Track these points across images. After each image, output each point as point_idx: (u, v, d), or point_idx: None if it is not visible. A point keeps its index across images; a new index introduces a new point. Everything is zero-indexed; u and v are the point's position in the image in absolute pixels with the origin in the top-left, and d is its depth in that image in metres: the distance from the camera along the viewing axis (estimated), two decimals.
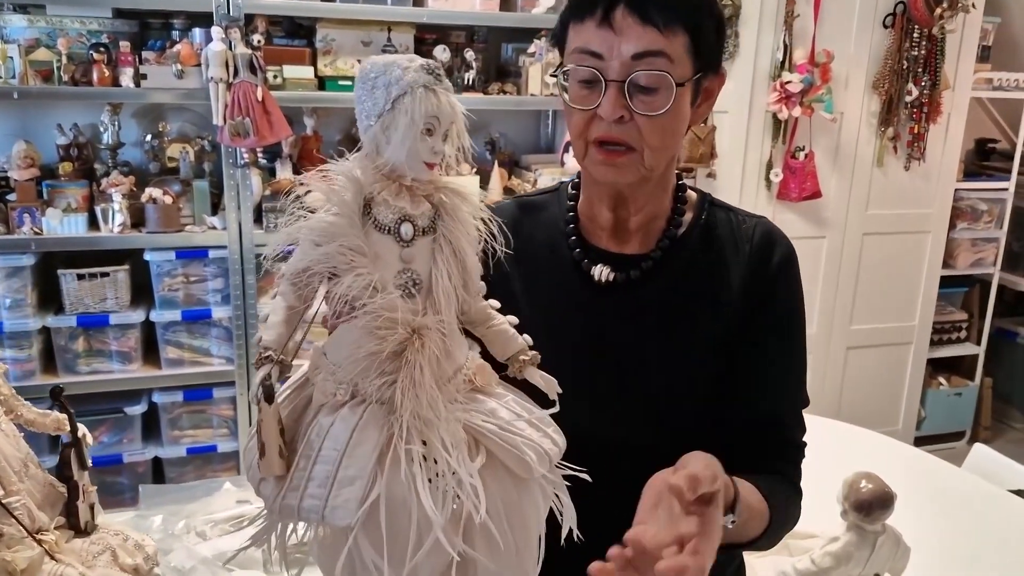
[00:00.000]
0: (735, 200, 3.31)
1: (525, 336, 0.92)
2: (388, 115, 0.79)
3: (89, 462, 1.11)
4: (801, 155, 3.19)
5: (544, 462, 0.84)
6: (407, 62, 0.80)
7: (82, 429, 1.12)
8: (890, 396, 3.74)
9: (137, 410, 2.90)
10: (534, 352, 0.91)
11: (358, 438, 0.76)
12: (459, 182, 0.87)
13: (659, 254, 1.10)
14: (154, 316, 2.86)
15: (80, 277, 2.77)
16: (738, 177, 3.19)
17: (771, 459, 1.11)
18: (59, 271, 2.75)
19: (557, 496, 0.88)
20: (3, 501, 0.99)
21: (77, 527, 1.08)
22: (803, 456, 1.15)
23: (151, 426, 2.99)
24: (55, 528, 1.06)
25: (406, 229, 0.81)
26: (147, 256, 2.81)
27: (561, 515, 0.88)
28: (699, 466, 0.85)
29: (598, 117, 1.00)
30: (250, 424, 3.01)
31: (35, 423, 1.13)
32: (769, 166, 3.22)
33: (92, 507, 1.11)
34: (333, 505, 0.75)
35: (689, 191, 1.16)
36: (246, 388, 2.99)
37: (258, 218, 2.91)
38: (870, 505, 1.38)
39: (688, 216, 1.13)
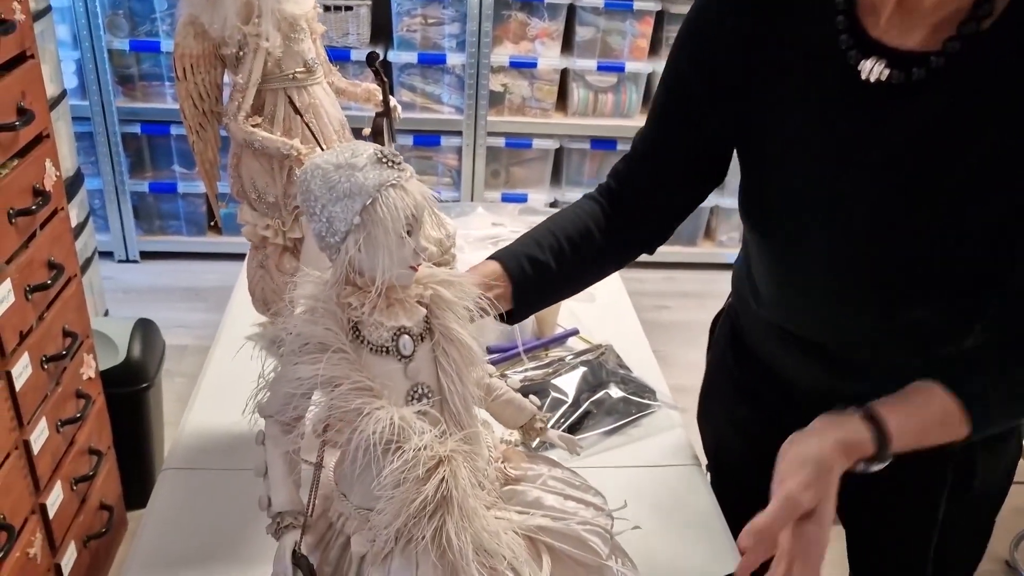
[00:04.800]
0: None
1: (532, 397, 0.86)
2: (358, 230, 0.66)
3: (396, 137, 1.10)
4: None
5: (607, 542, 0.79)
6: (357, 157, 0.65)
7: (393, 100, 1.10)
8: None
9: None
10: (548, 414, 0.90)
11: None
12: (441, 271, 0.75)
13: (956, 47, 0.79)
14: (391, 56, 2.86)
15: (326, 8, 2.79)
16: None
17: None
18: None
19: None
20: None
21: None
22: None
23: None
24: None
25: (405, 343, 0.70)
26: None
27: None
28: (775, 506, 0.76)
29: None
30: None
31: (346, 92, 1.13)
32: None
33: None
34: None
35: None
36: (472, 140, 3.00)
37: None
38: None
39: None
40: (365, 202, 0.65)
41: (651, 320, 3.03)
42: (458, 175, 3.08)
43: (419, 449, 0.64)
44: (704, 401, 1.30)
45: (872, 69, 0.82)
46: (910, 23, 0.81)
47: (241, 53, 0.98)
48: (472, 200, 3.10)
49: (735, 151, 1.00)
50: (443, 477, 0.65)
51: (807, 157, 0.89)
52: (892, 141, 0.83)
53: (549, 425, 1.24)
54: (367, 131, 1.13)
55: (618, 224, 1.03)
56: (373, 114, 1.11)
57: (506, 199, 3.13)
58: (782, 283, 1.00)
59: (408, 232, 0.67)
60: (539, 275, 0.97)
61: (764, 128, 0.92)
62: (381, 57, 1.08)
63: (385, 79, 1.09)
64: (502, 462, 0.80)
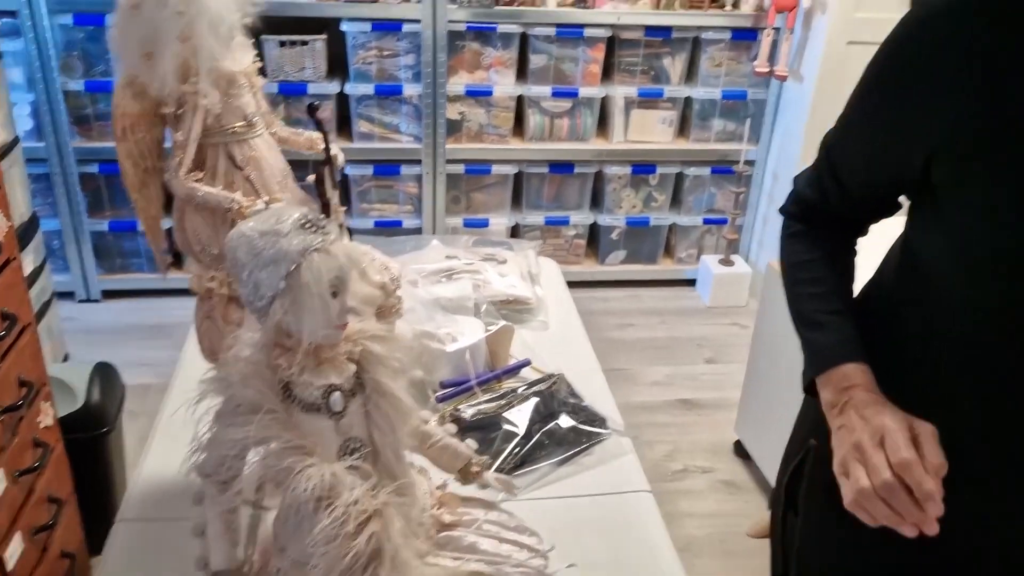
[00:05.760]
0: None
1: (468, 441, 0.89)
2: (284, 294, 0.69)
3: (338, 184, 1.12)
4: None
5: None
6: (281, 223, 0.68)
7: (335, 149, 1.13)
8: None
9: None
10: (484, 458, 0.91)
11: None
12: (373, 327, 0.77)
13: None
14: (348, 89, 2.89)
15: (282, 44, 2.82)
16: None
17: None
18: (262, 37, 2.79)
19: None
20: (271, 206, 1.02)
21: None
22: None
23: (341, 198, 3.10)
24: None
25: (335, 400, 0.73)
26: (344, 26, 2.81)
27: None
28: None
29: None
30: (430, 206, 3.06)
31: (289, 141, 1.16)
32: None
33: (341, 227, 1.14)
34: None
35: None
36: (432, 168, 3.03)
37: None
38: None
39: None
40: (289, 268, 0.68)
41: (616, 339, 3.08)
42: (419, 202, 3.11)
43: (349, 504, 0.67)
44: (805, 551, 1.04)
45: None
46: None
47: (180, 111, 1.01)
48: (434, 226, 3.12)
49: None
50: (374, 531, 0.67)
51: None
52: None
53: (503, 458, 1.27)
54: (311, 178, 1.16)
55: (835, 235, 0.96)
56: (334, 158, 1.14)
57: (468, 224, 3.16)
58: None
59: (334, 294, 0.70)
60: (858, 328, 0.90)
61: (1005, 169, 0.74)
62: (321, 106, 1.10)
63: (325, 129, 1.12)
64: (438, 508, 0.82)
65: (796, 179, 0.99)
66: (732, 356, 2.92)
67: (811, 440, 0.98)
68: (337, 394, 0.73)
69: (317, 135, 1.14)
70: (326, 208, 1.12)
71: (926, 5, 0.76)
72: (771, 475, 2.24)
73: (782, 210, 1.01)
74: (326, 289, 0.69)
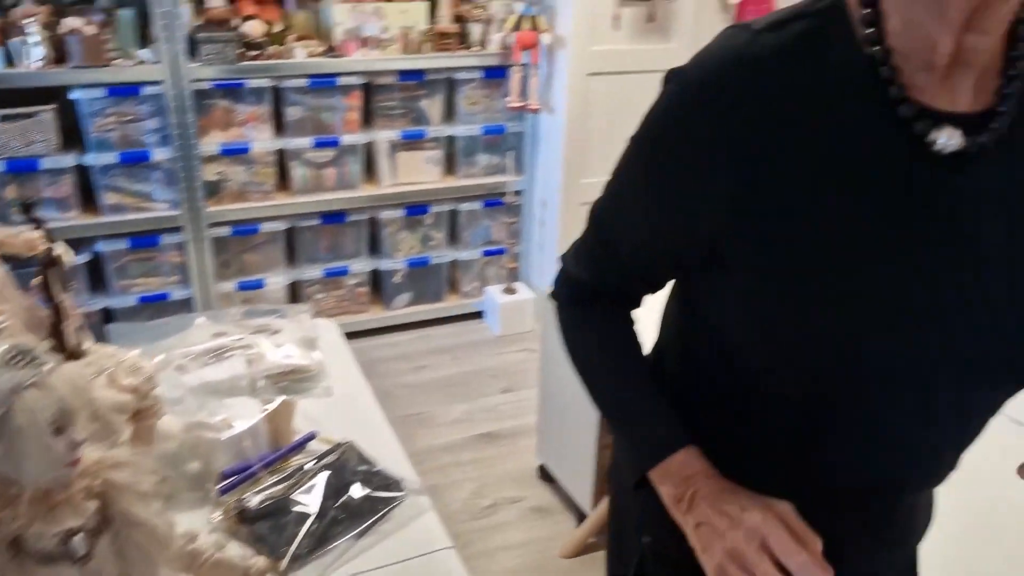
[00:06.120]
0: (688, 23, 3.20)
1: (242, 551, 0.88)
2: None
3: (71, 283, 1.03)
4: None
5: None
6: None
7: (60, 247, 1.03)
8: None
9: (80, 260, 2.76)
10: (260, 563, 0.92)
11: None
12: (112, 455, 0.69)
13: (1012, 106, 0.71)
14: (89, 160, 2.68)
15: (3, 119, 2.56)
16: None
17: None
18: None
19: None
20: None
21: (67, 351, 1.01)
22: None
23: (97, 276, 2.87)
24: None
25: (77, 544, 0.66)
26: (74, 94, 2.60)
27: None
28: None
29: None
30: (199, 274, 2.91)
31: (4, 244, 1.04)
32: None
33: (79, 330, 1.04)
34: None
35: None
36: (194, 233, 2.87)
37: (192, 50, 2.70)
38: None
39: None
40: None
41: (411, 383, 3.06)
42: (185, 271, 2.93)
43: None
44: None
45: (949, 140, 0.70)
46: (956, 84, 0.71)
47: None
48: (205, 294, 2.96)
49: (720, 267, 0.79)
50: None
51: (872, 253, 0.72)
52: (968, 217, 0.73)
53: (298, 542, 1.21)
54: (36, 282, 1.05)
55: (616, 314, 0.92)
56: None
57: (243, 287, 3.03)
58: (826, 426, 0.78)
59: (58, 430, 0.63)
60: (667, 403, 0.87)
61: (790, 233, 0.73)
62: (38, 203, 1.00)
63: (46, 226, 1.02)
64: None
65: (563, 259, 0.94)
66: (525, 382, 2.99)
67: (644, 537, 0.93)
68: (79, 537, 0.65)
69: (36, 234, 1.03)
70: (57, 313, 1.02)
71: (682, 83, 0.74)
72: (576, 494, 2.32)
73: (553, 295, 0.96)
74: (46, 429, 0.61)
